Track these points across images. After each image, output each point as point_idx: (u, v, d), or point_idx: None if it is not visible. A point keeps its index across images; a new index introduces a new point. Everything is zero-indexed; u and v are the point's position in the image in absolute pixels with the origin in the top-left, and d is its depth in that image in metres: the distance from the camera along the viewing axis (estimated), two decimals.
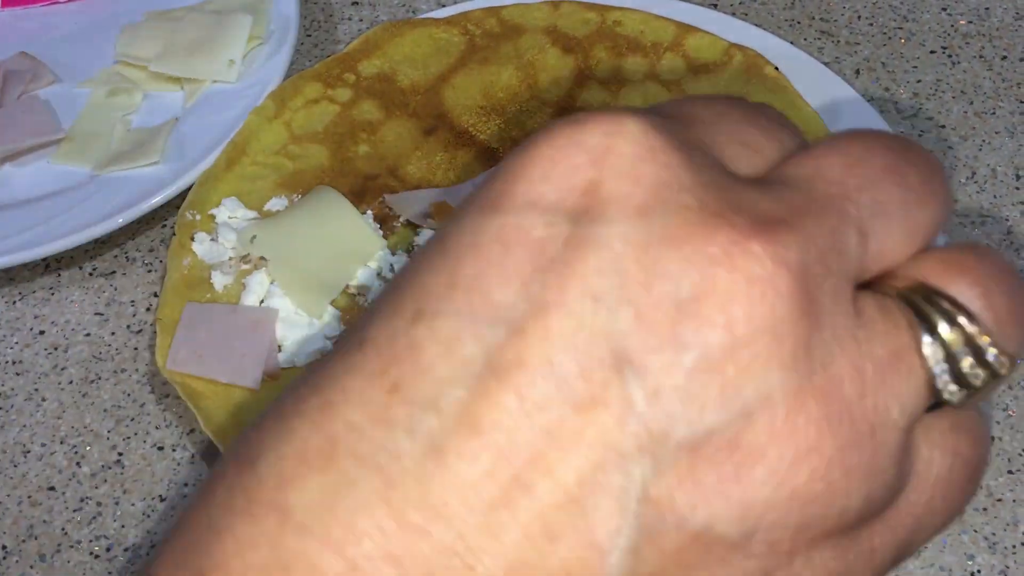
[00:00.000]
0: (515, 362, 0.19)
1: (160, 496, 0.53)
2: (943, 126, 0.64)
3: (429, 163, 0.62)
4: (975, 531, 0.49)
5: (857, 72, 0.67)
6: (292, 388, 0.21)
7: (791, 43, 0.64)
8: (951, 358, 0.20)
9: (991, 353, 0.20)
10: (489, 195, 0.21)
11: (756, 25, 0.65)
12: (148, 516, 0.52)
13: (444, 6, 0.71)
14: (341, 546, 0.19)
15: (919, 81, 0.66)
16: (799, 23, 0.70)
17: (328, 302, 0.55)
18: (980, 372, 0.20)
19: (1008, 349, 0.21)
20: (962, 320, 0.20)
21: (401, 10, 0.74)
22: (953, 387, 0.20)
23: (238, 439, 0.21)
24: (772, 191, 0.20)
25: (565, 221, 0.19)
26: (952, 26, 0.69)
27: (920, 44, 0.68)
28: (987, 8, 0.69)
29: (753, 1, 0.71)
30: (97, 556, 0.51)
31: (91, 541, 0.52)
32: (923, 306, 0.20)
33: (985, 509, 0.50)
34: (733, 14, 0.68)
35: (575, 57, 0.65)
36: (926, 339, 0.20)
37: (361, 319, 0.21)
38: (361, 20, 0.74)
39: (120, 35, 0.68)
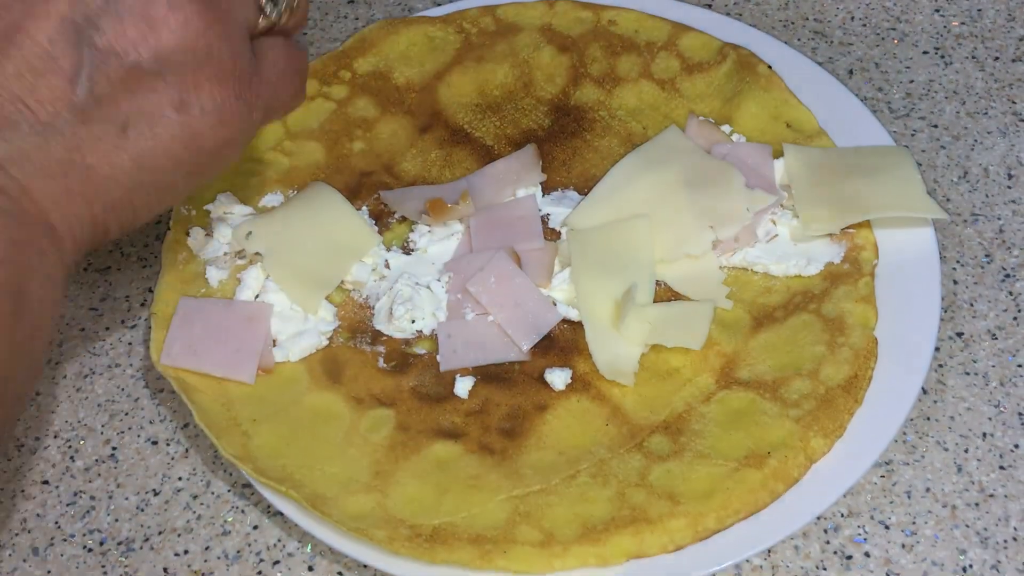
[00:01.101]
0: None
1: (154, 490, 0.53)
2: (935, 126, 0.64)
3: (424, 160, 0.62)
4: (967, 526, 0.49)
5: (851, 72, 0.67)
6: None
7: (785, 43, 0.64)
8: None
9: None
10: None
11: (751, 25, 0.66)
12: (142, 510, 0.52)
13: (439, 4, 0.71)
14: None
15: (912, 81, 0.66)
16: (793, 23, 0.70)
17: (323, 297, 0.55)
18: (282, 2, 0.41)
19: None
20: None
21: (397, 8, 0.74)
22: (269, 6, 0.40)
23: None
24: None
25: None
26: (945, 27, 0.69)
27: (913, 45, 0.68)
28: (979, 9, 0.70)
29: (747, 2, 0.72)
30: (90, 550, 0.51)
31: (84, 535, 0.52)
32: None
33: (977, 504, 0.50)
34: (727, 14, 0.69)
35: (570, 56, 0.65)
36: None
37: None
38: (357, 18, 0.74)
39: None
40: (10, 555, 0.51)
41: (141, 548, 0.51)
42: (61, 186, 0.36)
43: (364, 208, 0.59)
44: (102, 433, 0.55)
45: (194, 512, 0.52)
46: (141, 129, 0.37)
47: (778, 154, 0.58)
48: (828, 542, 0.49)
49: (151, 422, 0.55)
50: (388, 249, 0.58)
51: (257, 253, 0.55)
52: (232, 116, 0.39)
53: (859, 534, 0.49)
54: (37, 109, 0.35)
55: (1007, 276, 0.57)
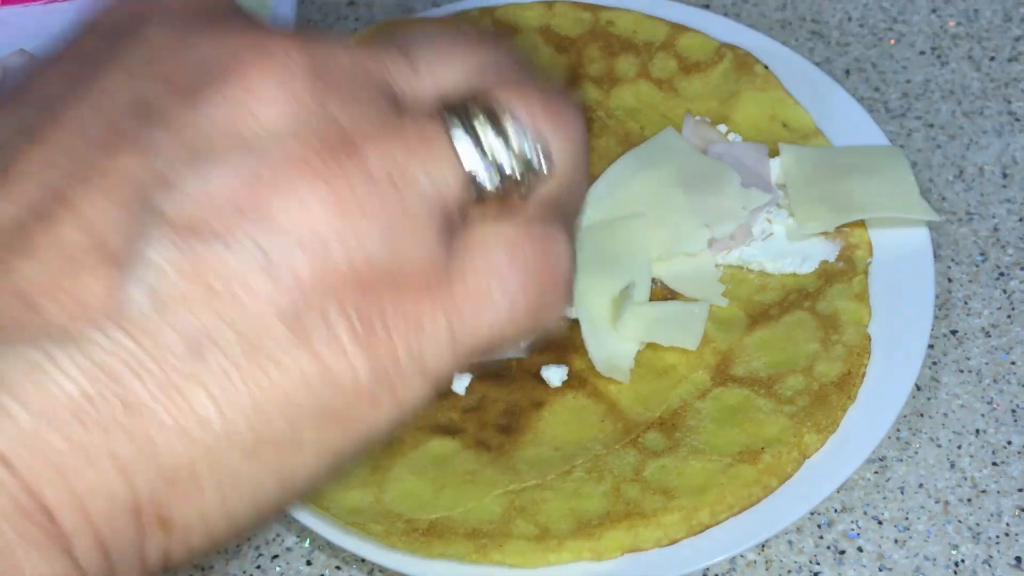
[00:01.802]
0: (50, 126, 0.22)
1: None
2: (931, 125, 0.64)
3: None
4: (959, 521, 0.50)
5: (847, 72, 0.67)
6: None
7: (782, 43, 0.65)
8: (480, 145, 0.23)
9: (528, 149, 0.23)
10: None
11: (748, 26, 0.66)
12: None
13: (439, 6, 0.72)
14: None
15: (908, 81, 0.67)
16: (791, 24, 0.71)
17: None
18: (514, 163, 0.23)
19: (541, 143, 0.24)
20: (505, 120, 0.23)
21: (397, 10, 0.75)
22: (486, 172, 0.23)
23: None
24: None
25: (113, 32, 0.23)
26: (941, 27, 0.69)
27: (910, 45, 0.69)
28: (976, 10, 0.70)
29: (745, 2, 0.72)
30: None
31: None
32: (457, 106, 0.23)
33: (970, 500, 0.50)
34: (725, 15, 0.69)
35: (568, 56, 0.66)
36: (456, 130, 0.23)
37: None
38: (357, 20, 0.75)
39: None
40: None
41: None
42: (76, 442, 0.20)
43: None
44: None
45: None
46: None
47: (774, 153, 0.58)
48: (822, 537, 0.50)
49: None
50: None
51: None
52: (392, 358, 0.22)
53: (852, 529, 0.50)
54: (57, 317, 0.20)
55: (1001, 275, 0.58)
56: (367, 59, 0.23)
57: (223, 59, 0.22)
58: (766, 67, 0.62)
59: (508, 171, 0.23)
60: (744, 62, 0.63)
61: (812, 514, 0.50)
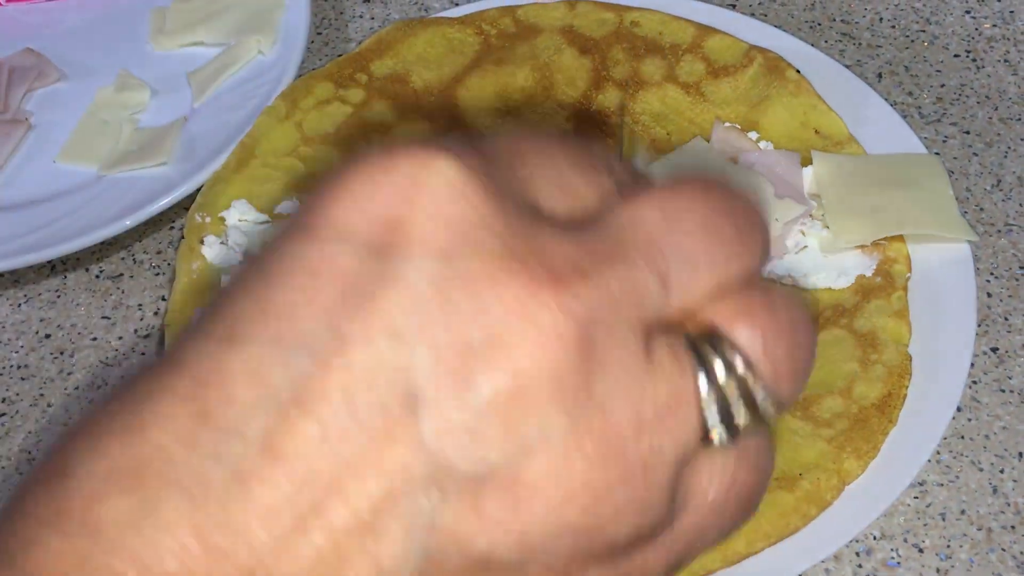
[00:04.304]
0: (318, 393, 0.20)
1: None
2: (967, 132, 0.62)
3: None
4: (1003, 550, 0.48)
5: (880, 76, 0.65)
6: (103, 401, 0.22)
7: (812, 45, 0.62)
8: (724, 402, 0.22)
9: (760, 398, 0.22)
10: (302, 221, 0.21)
11: (776, 26, 0.64)
12: None
13: (457, 5, 0.70)
14: (146, 564, 0.19)
15: (943, 85, 0.65)
16: (820, 25, 0.68)
17: None
18: (747, 415, 0.22)
19: (777, 397, 0.22)
20: (739, 366, 0.22)
21: (413, 8, 0.73)
22: (721, 429, 0.22)
23: (49, 450, 0.22)
24: (579, 238, 0.21)
25: (371, 255, 0.20)
26: (976, 29, 0.67)
27: (944, 48, 0.66)
28: (1012, 11, 0.68)
29: (772, 2, 0.70)
30: None
31: None
32: (707, 351, 0.22)
33: (1013, 527, 0.49)
34: (752, 15, 0.67)
35: (592, 58, 0.64)
36: (703, 384, 0.22)
37: (179, 336, 0.22)
38: (372, 18, 0.72)
39: (152, 16, 0.68)
40: None
41: None
42: None
43: None
44: None
45: None
46: None
47: (806, 162, 0.57)
48: (860, 566, 0.48)
49: None
50: None
51: None
52: None
53: (892, 557, 0.48)
54: None
55: None
56: (630, 285, 0.21)
57: (490, 333, 0.20)
58: (798, 71, 0.60)
59: (739, 423, 0.22)
60: (775, 66, 0.61)
61: (850, 541, 0.48)
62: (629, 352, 0.21)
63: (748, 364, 0.22)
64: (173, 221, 0.62)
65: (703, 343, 0.22)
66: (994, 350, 0.54)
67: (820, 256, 0.54)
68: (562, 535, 0.20)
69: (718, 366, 0.22)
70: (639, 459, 0.21)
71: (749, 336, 0.22)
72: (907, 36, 0.67)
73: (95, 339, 0.58)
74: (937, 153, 0.61)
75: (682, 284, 0.22)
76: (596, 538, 0.21)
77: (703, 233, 0.22)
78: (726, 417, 0.22)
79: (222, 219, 0.57)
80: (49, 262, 0.60)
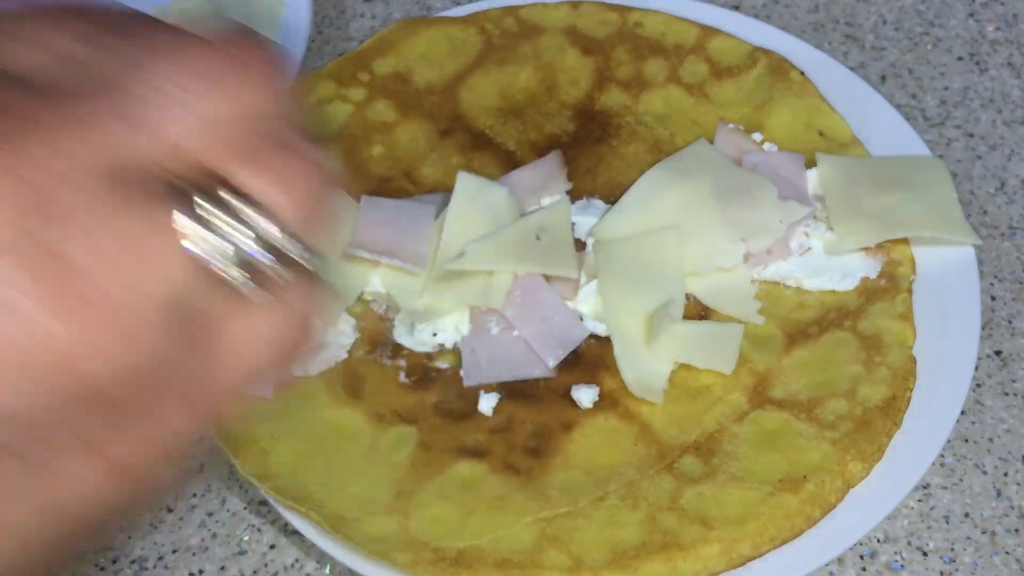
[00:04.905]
0: None
1: (167, 507, 0.51)
2: (971, 135, 0.62)
3: (445, 166, 0.60)
4: (1007, 553, 0.48)
5: (883, 78, 0.65)
6: None
7: (815, 47, 0.62)
8: (217, 236, 0.22)
9: (283, 242, 0.22)
10: None
11: (780, 28, 0.64)
12: (155, 528, 0.51)
13: (459, 4, 0.70)
14: None
15: (946, 88, 0.64)
16: (823, 27, 0.68)
17: (344, 309, 0.53)
18: (264, 257, 0.22)
19: (309, 246, 0.22)
20: (232, 201, 0.22)
21: (415, 7, 0.72)
22: (235, 271, 0.22)
23: None
24: (47, 96, 0.21)
25: None
26: (980, 32, 0.67)
27: (947, 50, 0.66)
28: (1015, 15, 0.68)
29: (776, 3, 0.70)
30: (103, 568, 0.50)
31: (96, 553, 0.50)
32: (184, 187, 0.21)
33: (1017, 530, 0.48)
34: (756, 16, 0.67)
35: (595, 59, 0.63)
36: (181, 218, 0.21)
37: None
38: (374, 17, 0.72)
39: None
40: None
41: (155, 567, 0.50)
42: None
43: None
44: None
45: (209, 530, 0.51)
46: None
47: (810, 163, 0.56)
48: (864, 568, 0.48)
49: None
50: None
51: None
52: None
53: (896, 560, 0.48)
54: None
55: None
56: (84, 134, 0.21)
57: None
58: (802, 73, 0.60)
59: (262, 266, 0.22)
60: (779, 67, 0.61)
61: (854, 544, 0.48)
62: (92, 196, 0.21)
63: (251, 202, 0.22)
64: None
65: (186, 181, 0.22)
66: (998, 353, 0.54)
67: (824, 258, 0.54)
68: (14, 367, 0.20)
69: (198, 198, 0.21)
70: (107, 295, 0.20)
71: (252, 175, 0.22)
72: (911, 39, 0.67)
73: None
74: (941, 156, 0.61)
75: (163, 124, 0.22)
76: (68, 379, 0.20)
77: (190, 77, 0.22)
78: (242, 260, 0.22)
79: None
80: None
